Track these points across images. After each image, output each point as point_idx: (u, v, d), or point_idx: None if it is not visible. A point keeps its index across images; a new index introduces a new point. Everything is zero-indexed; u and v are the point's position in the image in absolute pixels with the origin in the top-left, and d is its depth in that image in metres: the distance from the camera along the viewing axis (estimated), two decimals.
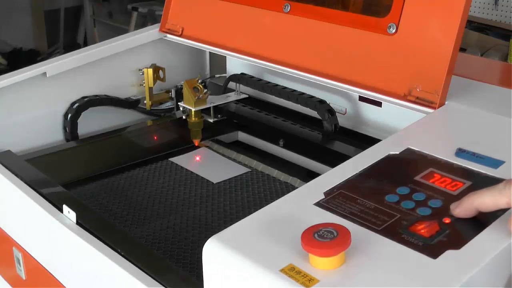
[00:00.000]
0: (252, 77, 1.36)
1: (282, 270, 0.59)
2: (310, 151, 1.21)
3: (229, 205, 1.12)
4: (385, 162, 0.78)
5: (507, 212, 0.65)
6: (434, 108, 0.94)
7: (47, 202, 1.00)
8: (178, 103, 1.34)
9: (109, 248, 0.87)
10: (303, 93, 1.23)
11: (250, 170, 1.24)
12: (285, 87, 1.28)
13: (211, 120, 1.34)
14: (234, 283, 0.64)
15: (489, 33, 2.91)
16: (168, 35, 1.40)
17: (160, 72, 1.39)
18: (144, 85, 1.37)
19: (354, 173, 0.75)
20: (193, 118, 1.32)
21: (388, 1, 1.01)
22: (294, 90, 1.26)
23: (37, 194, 1.03)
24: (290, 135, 1.25)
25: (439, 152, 0.78)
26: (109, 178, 1.24)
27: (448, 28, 0.93)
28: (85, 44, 4.50)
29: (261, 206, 0.72)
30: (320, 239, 0.59)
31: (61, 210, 0.97)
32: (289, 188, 1.16)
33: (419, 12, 0.97)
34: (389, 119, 1.13)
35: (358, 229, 0.65)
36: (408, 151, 0.80)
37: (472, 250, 0.61)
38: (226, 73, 1.48)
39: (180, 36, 1.38)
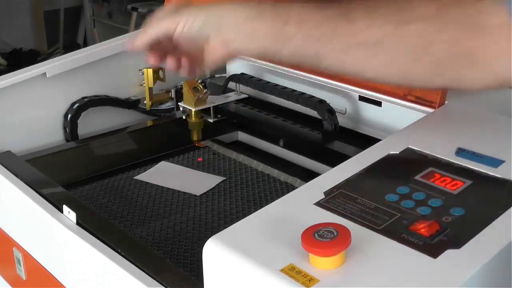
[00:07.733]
0: (252, 77, 1.35)
1: (283, 270, 0.59)
2: (310, 151, 1.21)
3: (229, 205, 1.12)
4: (385, 162, 0.78)
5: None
6: (434, 107, 0.94)
7: (47, 203, 1.00)
8: (178, 103, 1.34)
9: (109, 248, 0.87)
10: (303, 93, 1.23)
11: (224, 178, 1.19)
12: (285, 87, 1.28)
13: (211, 120, 1.34)
14: (234, 283, 0.64)
15: None
16: None
17: (160, 72, 1.39)
18: (144, 85, 1.37)
19: (354, 173, 0.75)
20: (193, 118, 1.32)
21: None
22: (294, 90, 1.26)
23: (37, 195, 1.03)
24: (290, 135, 1.24)
25: (439, 151, 0.78)
26: (109, 178, 1.24)
27: None
28: (85, 44, 4.50)
29: (261, 206, 0.72)
30: (320, 239, 0.60)
31: (61, 211, 0.97)
32: (289, 188, 1.16)
33: None
34: (389, 119, 1.12)
35: (358, 229, 0.65)
36: (408, 150, 0.80)
37: (472, 250, 0.61)
38: (226, 73, 1.48)
39: None
